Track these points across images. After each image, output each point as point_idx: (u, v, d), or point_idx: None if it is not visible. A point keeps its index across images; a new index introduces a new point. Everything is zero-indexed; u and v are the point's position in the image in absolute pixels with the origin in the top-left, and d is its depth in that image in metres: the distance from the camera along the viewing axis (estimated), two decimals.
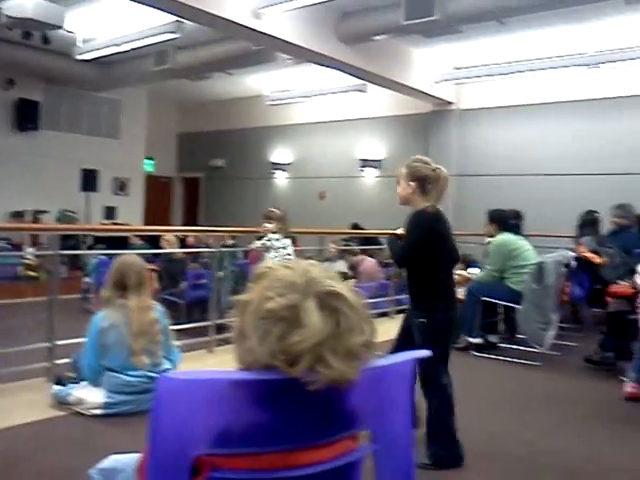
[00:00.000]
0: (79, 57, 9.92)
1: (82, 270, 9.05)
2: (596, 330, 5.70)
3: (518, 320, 5.59)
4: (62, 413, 3.53)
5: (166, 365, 3.72)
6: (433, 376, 3.01)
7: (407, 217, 3.14)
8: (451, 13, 7.39)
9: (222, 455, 1.07)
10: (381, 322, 6.07)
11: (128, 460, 1.53)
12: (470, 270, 6.26)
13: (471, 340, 5.64)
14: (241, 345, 1.12)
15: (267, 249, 5.53)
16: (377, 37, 8.57)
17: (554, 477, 3.01)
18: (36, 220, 11.49)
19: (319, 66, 9.44)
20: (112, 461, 1.60)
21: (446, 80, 10.64)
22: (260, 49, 8.94)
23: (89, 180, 12.09)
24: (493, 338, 5.86)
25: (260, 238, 5.71)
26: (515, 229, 5.84)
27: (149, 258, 7.87)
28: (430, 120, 11.63)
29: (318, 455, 1.13)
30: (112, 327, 3.53)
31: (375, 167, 12.39)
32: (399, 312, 7.68)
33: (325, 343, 1.04)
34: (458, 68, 10.68)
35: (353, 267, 8.47)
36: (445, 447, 3.01)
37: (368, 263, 8.45)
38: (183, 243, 8.57)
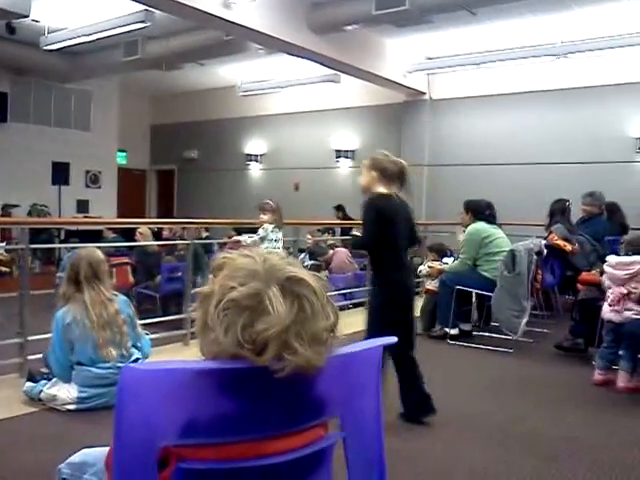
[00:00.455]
0: (46, 47, 9.73)
1: (56, 265, 8.93)
2: (567, 317, 5.80)
3: (492, 308, 5.66)
4: (35, 409, 3.50)
5: (136, 355, 3.69)
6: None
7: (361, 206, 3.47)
8: (422, 3, 7.42)
9: (190, 446, 1.06)
10: (356, 312, 6.10)
11: (98, 453, 1.51)
12: (444, 260, 6.30)
13: (446, 330, 5.69)
14: (205, 337, 1.11)
15: (262, 239, 5.50)
16: (348, 27, 8.54)
17: (530, 456, 3.07)
18: (6, 214, 11.27)
19: (291, 56, 9.40)
20: (82, 455, 1.58)
21: (418, 70, 10.68)
22: (231, 39, 8.87)
23: (60, 173, 11.86)
24: (467, 326, 5.92)
25: (241, 232, 5.71)
26: (489, 218, 5.89)
27: (123, 252, 7.82)
28: (403, 110, 11.66)
29: (288, 443, 1.13)
30: (74, 322, 3.49)
31: (349, 157, 12.40)
32: None
33: (290, 329, 1.04)
34: (430, 58, 10.73)
35: (326, 260, 8.47)
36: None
37: (340, 254, 8.43)
38: (158, 236, 8.49)
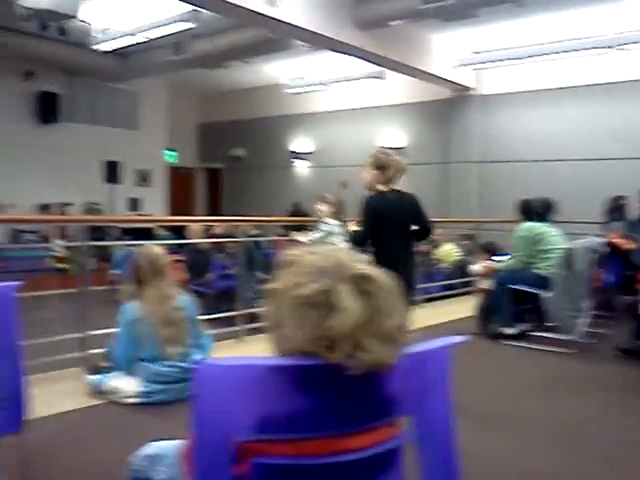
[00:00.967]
0: (96, 48, 9.96)
1: (109, 262, 9.14)
2: (628, 318, 5.59)
3: (548, 307, 5.53)
4: (98, 402, 3.59)
5: (196, 354, 3.73)
6: None
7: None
8: None
9: (265, 441, 1.08)
10: None
11: (168, 447, 1.55)
12: (496, 258, 6.18)
13: (502, 330, 5.59)
14: (277, 333, 1.12)
15: (327, 235, 5.35)
16: (394, 22, 8.48)
17: (598, 460, 2.98)
18: (62, 212, 11.61)
19: (336, 53, 9.38)
20: (153, 448, 1.62)
21: (465, 65, 10.52)
22: (277, 37, 8.92)
23: (112, 172, 12.13)
24: (523, 326, 5.79)
25: (306, 229, 5.59)
26: (539, 218, 5.76)
27: (174, 249, 7.95)
28: (450, 106, 11.51)
29: (359, 441, 1.13)
30: (140, 319, 3.56)
31: (398, 155, 12.28)
32: (427, 300, 7.64)
33: (362, 327, 1.04)
34: (477, 52, 10.54)
35: None
36: None
37: None
38: (208, 234, 8.61)
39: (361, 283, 1.08)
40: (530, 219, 5.70)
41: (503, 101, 10.94)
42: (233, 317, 5.53)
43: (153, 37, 9.26)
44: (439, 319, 6.37)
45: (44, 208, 11.70)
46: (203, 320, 4.08)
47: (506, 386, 4.18)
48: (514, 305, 5.59)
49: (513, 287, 5.51)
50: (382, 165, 3.68)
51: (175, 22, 8.65)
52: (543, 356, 5.15)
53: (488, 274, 5.94)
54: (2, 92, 11.44)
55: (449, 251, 8.77)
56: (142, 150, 13.56)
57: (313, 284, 1.07)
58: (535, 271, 5.51)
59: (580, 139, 10.05)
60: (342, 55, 9.46)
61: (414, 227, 3.76)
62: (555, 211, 5.94)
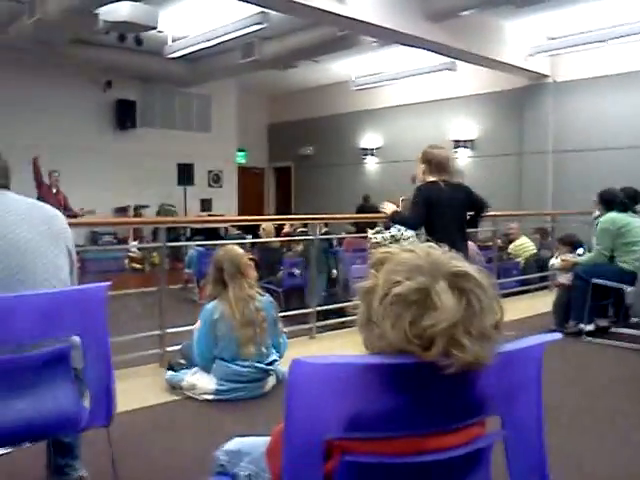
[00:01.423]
0: (170, 56, 10.27)
1: (182, 262, 9.39)
2: None
3: (632, 303, 5.28)
4: (176, 397, 3.68)
5: (273, 356, 3.76)
6: None
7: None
8: None
9: (354, 439, 1.07)
10: None
11: (253, 443, 1.57)
12: (578, 252, 5.95)
13: (582, 326, 5.38)
14: (369, 331, 1.11)
15: (397, 241, 5.35)
16: (464, 12, 8.31)
17: None
18: (138, 215, 11.99)
19: (405, 47, 9.29)
20: (237, 443, 1.63)
21: (540, 52, 10.20)
22: (345, 34, 8.90)
23: (185, 174, 12.47)
24: (604, 322, 5.56)
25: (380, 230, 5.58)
26: (621, 207, 5.50)
27: (246, 248, 8.10)
28: (524, 95, 11.19)
29: (449, 441, 1.12)
30: (221, 319, 3.61)
31: (468, 147, 12.08)
32: (501, 296, 7.47)
33: (459, 325, 1.02)
34: (552, 38, 10.19)
35: None
36: None
37: (469, 246, 8.19)
38: (278, 233, 8.71)
39: (457, 280, 1.06)
40: (613, 210, 5.45)
41: (578, 87, 10.53)
42: (303, 315, 5.56)
43: (223, 41, 9.43)
44: (513, 315, 6.18)
45: (121, 211, 12.13)
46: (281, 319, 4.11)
47: (586, 384, 4.03)
48: (594, 300, 5.36)
49: (594, 282, 5.29)
50: (427, 159, 4.06)
51: (245, 26, 8.77)
52: (625, 353, 4.92)
53: (567, 268, 5.73)
54: (84, 103, 11.98)
55: (524, 245, 8.54)
56: (214, 152, 13.86)
57: (409, 282, 1.06)
58: (619, 265, 5.26)
59: None
60: (411, 48, 9.35)
61: (469, 213, 4.18)
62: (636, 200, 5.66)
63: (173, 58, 10.53)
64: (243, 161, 15.48)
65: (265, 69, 11.60)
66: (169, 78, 12.35)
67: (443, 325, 1.01)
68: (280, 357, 3.83)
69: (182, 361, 3.92)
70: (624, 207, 5.51)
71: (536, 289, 8.00)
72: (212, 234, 10.27)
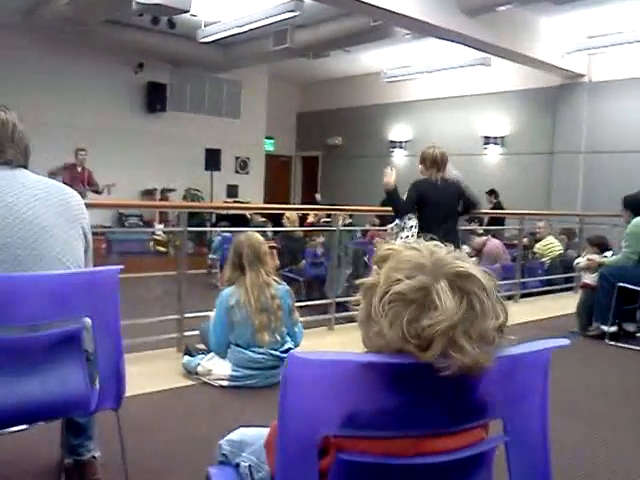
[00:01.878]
0: (203, 40, 10.28)
1: (207, 247, 9.44)
2: None
3: None
4: (191, 383, 3.70)
5: (288, 344, 3.76)
6: None
7: None
8: None
9: (350, 437, 1.06)
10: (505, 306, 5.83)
11: (256, 433, 1.56)
12: (606, 254, 5.84)
13: (604, 328, 5.29)
14: (368, 328, 1.09)
15: (401, 229, 5.37)
16: (501, 7, 8.18)
17: None
18: (164, 198, 12.11)
19: (438, 40, 9.18)
20: (241, 434, 1.63)
21: (578, 50, 9.97)
22: (378, 25, 8.82)
23: (213, 159, 12.51)
24: (631, 327, 5.45)
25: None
26: None
27: (269, 236, 8.11)
28: (558, 94, 11.00)
29: (447, 443, 1.10)
30: (237, 305, 3.62)
31: (498, 144, 11.92)
32: (524, 295, 7.39)
33: (458, 327, 1.00)
34: (592, 37, 9.97)
35: (476, 248, 8.19)
36: None
37: (493, 244, 8.13)
38: (302, 222, 8.71)
39: (459, 281, 1.03)
40: (638, 214, 5.34)
41: (615, 88, 10.31)
42: (323, 305, 5.54)
43: (256, 27, 9.40)
44: (535, 316, 6.11)
45: (148, 193, 12.23)
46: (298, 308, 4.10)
47: (609, 388, 3.96)
48: (621, 304, 5.26)
49: (620, 285, 5.19)
50: (423, 157, 4.65)
51: (278, 13, 8.74)
52: None
53: (593, 267, 5.62)
54: (115, 84, 12.09)
55: (550, 245, 8.42)
56: (242, 138, 13.89)
57: (409, 280, 1.03)
58: None
59: None
60: (443, 42, 9.24)
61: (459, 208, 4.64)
62: None
63: (205, 43, 10.53)
64: (271, 149, 15.49)
65: (296, 57, 11.56)
66: (200, 62, 12.36)
67: (442, 326, 0.99)
68: (295, 346, 3.82)
69: (201, 346, 3.95)
70: None
71: (561, 290, 7.89)
72: (238, 220, 10.29)
